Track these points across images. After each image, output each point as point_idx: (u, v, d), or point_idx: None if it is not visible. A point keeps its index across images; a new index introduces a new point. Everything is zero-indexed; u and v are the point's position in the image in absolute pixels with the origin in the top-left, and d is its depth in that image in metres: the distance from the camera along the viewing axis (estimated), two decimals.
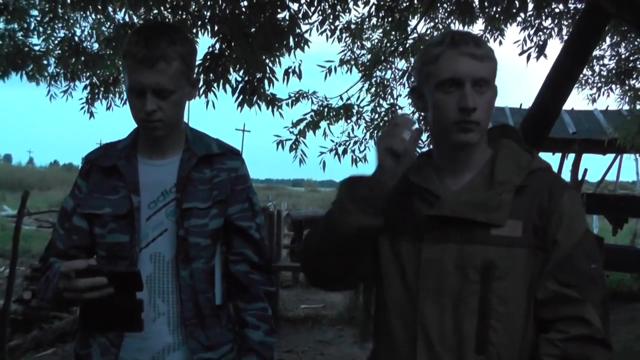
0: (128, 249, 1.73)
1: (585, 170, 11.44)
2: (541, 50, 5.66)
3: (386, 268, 1.54)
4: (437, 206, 1.46)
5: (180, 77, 1.69)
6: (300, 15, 5.02)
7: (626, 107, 8.95)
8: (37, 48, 6.52)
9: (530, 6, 4.97)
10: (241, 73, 4.98)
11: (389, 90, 7.38)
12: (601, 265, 1.44)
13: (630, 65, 7.17)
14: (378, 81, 7.28)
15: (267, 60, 4.93)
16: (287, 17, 4.79)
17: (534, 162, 1.50)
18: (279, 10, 4.71)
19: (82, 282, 1.37)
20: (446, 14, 7.07)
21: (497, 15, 5.42)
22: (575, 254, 1.41)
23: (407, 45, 6.97)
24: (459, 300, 1.42)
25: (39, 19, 6.36)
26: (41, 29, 6.47)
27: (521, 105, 12.00)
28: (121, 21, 6.08)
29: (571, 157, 12.39)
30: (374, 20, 6.60)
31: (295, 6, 4.92)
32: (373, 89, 7.22)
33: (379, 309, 1.60)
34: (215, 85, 4.89)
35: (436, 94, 1.45)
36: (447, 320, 1.42)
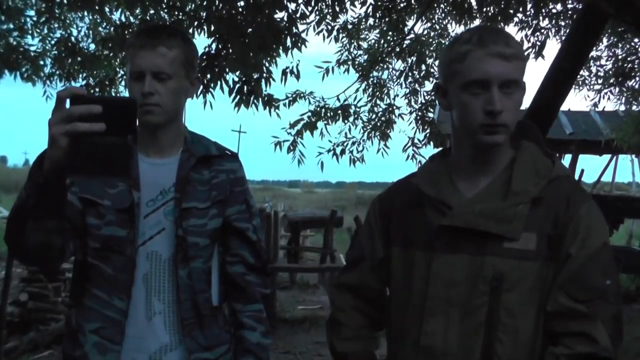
0: (125, 244, 1.71)
1: (582, 171, 11.46)
2: (540, 50, 5.65)
3: (396, 277, 1.53)
4: (450, 216, 1.43)
5: (179, 66, 1.72)
6: (297, 15, 5.01)
7: (622, 107, 8.96)
8: (33, 48, 6.50)
9: (528, 6, 4.96)
10: (237, 73, 4.97)
11: (386, 91, 7.39)
12: (617, 281, 1.39)
13: (628, 66, 7.17)
14: (375, 81, 7.28)
15: (264, 61, 4.92)
16: (284, 17, 4.78)
17: (553, 169, 1.45)
18: (276, 10, 4.70)
19: (77, 109, 1.25)
20: (443, 15, 7.08)
21: (494, 16, 5.40)
22: (589, 269, 1.36)
23: (404, 45, 6.97)
24: (466, 311, 1.40)
25: (35, 19, 6.33)
26: (37, 30, 6.44)
27: None
28: (118, 22, 6.06)
29: (568, 157, 12.43)
30: (370, 20, 6.60)
31: (292, 6, 4.92)
32: (370, 90, 7.22)
33: (388, 316, 1.59)
34: (212, 85, 4.88)
35: (462, 94, 1.39)
36: (452, 331, 1.40)
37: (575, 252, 1.36)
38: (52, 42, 6.50)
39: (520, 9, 5.18)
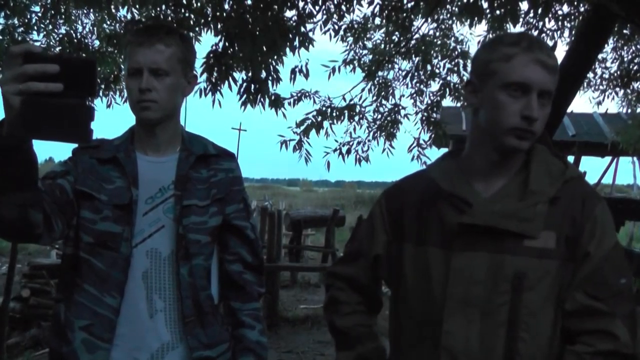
0: (119, 241, 1.70)
1: (584, 174, 11.46)
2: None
3: (409, 274, 1.52)
4: (470, 214, 1.43)
5: (176, 63, 1.73)
6: (305, 14, 5.00)
7: (628, 109, 8.96)
8: (37, 44, 6.47)
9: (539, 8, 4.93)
10: (244, 72, 4.96)
11: (391, 91, 7.38)
12: (631, 279, 1.41)
13: (633, 68, 7.17)
14: (380, 81, 7.27)
15: (271, 60, 4.90)
16: (294, 17, 4.77)
17: (567, 171, 1.47)
18: (286, 9, 4.69)
19: (31, 67, 1.13)
20: (448, 15, 7.07)
21: (501, 17, 5.38)
22: (605, 267, 1.38)
23: (411, 45, 6.96)
24: (487, 310, 1.40)
25: (40, 15, 6.32)
26: (42, 25, 6.43)
27: None
28: (123, 18, 6.06)
29: (570, 159, 12.43)
30: (377, 20, 6.59)
31: (300, 4, 4.90)
32: (375, 89, 7.21)
33: (396, 314, 1.59)
34: (220, 84, 4.87)
35: (500, 94, 1.39)
36: (473, 331, 1.40)
37: (593, 251, 1.39)
38: (57, 38, 6.49)
39: (531, 11, 5.15)
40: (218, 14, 4.82)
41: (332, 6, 5.50)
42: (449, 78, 7.27)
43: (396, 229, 1.58)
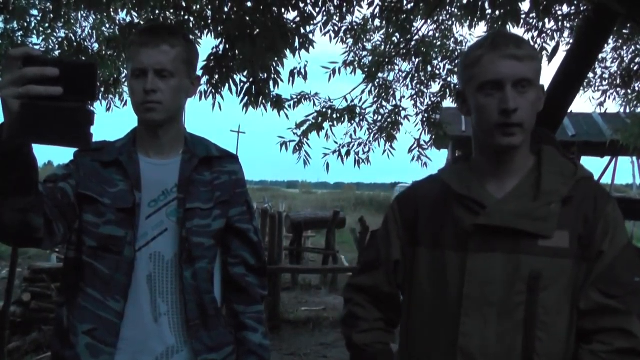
0: (122, 244, 1.69)
1: None
2: (552, 53, 5.63)
3: (425, 278, 1.53)
4: (484, 215, 1.44)
5: (181, 64, 1.72)
6: (305, 16, 4.99)
7: (627, 109, 8.95)
8: (36, 48, 6.46)
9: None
10: (245, 74, 4.95)
11: (392, 92, 7.37)
12: None
13: (634, 68, 7.17)
14: (381, 83, 7.26)
15: (272, 62, 4.89)
16: (295, 18, 4.77)
17: (578, 171, 1.49)
18: (288, 10, 4.68)
19: (30, 70, 1.12)
20: (448, 16, 7.06)
21: (501, 17, 5.37)
22: (618, 265, 1.40)
23: (411, 46, 6.95)
24: (504, 310, 1.41)
25: (39, 18, 6.30)
26: (41, 29, 6.42)
27: None
28: (122, 21, 6.05)
29: None
30: (377, 21, 6.58)
31: (300, 6, 4.89)
32: (376, 91, 7.20)
33: (409, 318, 1.59)
34: (220, 87, 4.86)
35: (478, 96, 1.44)
36: (490, 331, 1.41)
37: (607, 250, 1.40)
38: (56, 41, 6.47)
39: (534, 11, 5.13)
40: (218, 16, 4.81)
41: (332, 8, 5.49)
42: (449, 79, 7.26)
43: (410, 234, 1.59)
